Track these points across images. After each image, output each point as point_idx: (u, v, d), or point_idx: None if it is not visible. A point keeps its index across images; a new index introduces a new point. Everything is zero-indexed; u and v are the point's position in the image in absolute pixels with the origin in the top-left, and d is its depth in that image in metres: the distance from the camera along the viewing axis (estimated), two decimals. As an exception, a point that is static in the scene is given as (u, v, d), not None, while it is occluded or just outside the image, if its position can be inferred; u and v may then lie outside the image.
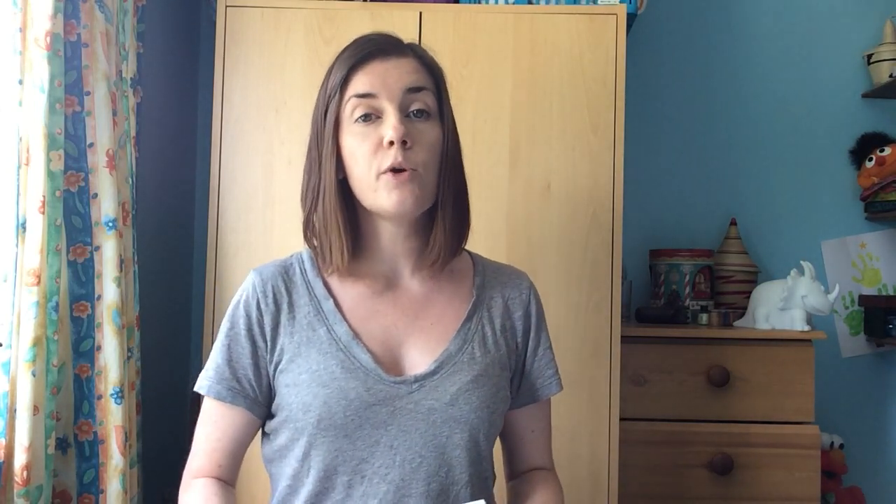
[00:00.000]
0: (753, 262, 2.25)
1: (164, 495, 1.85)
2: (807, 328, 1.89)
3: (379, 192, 1.07)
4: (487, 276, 1.21)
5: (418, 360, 1.11)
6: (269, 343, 1.11)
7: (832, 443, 2.15)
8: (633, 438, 1.82)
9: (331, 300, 1.13)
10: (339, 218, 1.10)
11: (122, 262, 1.48)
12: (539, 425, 1.24)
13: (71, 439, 1.44)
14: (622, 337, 1.70)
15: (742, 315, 2.07)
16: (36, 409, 1.28)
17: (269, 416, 1.13)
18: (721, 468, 1.83)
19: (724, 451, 1.84)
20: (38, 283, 1.30)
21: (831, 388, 2.26)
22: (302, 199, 1.15)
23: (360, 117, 1.08)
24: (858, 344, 2.32)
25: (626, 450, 1.73)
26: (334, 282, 1.15)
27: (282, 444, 1.11)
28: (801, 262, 1.95)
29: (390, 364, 1.10)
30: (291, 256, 1.18)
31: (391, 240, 1.14)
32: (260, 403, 1.12)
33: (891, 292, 2.33)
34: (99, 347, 1.45)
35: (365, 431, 1.06)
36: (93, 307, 1.45)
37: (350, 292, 1.14)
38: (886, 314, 2.19)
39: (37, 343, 1.29)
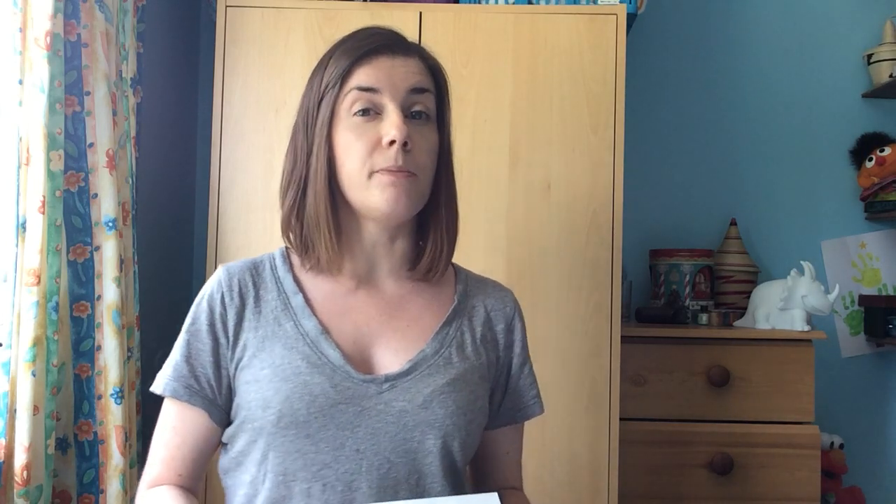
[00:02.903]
0: (753, 262, 2.25)
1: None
2: (807, 328, 1.89)
3: (371, 190, 1.02)
4: (470, 284, 1.17)
5: (391, 360, 1.06)
6: (231, 339, 1.05)
7: (832, 443, 2.15)
8: (633, 438, 1.82)
9: (300, 295, 1.07)
10: (329, 211, 1.04)
11: (122, 262, 1.48)
12: (514, 447, 1.19)
13: (71, 439, 1.44)
14: (622, 337, 1.69)
15: (742, 315, 2.07)
16: (36, 409, 1.28)
17: (229, 423, 1.06)
18: (721, 468, 1.83)
19: (724, 451, 1.84)
20: (38, 283, 1.30)
21: (831, 388, 2.26)
22: (282, 191, 1.09)
23: (358, 111, 1.03)
24: (858, 344, 2.32)
25: (626, 450, 1.73)
26: (306, 278, 1.10)
27: (239, 450, 1.04)
28: (801, 262, 1.95)
29: (360, 363, 1.05)
30: (262, 255, 1.13)
31: (372, 241, 1.09)
32: (219, 407, 1.05)
33: (891, 292, 2.33)
34: (99, 347, 1.45)
35: (329, 433, 0.99)
36: (93, 307, 1.45)
37: (322, 288, 1.09)
38: (886, 314, 2.19)
39: (37, 343, 1.29)
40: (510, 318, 1.16)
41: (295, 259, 1.12)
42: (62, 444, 1.43)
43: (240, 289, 1.07)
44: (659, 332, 1.90)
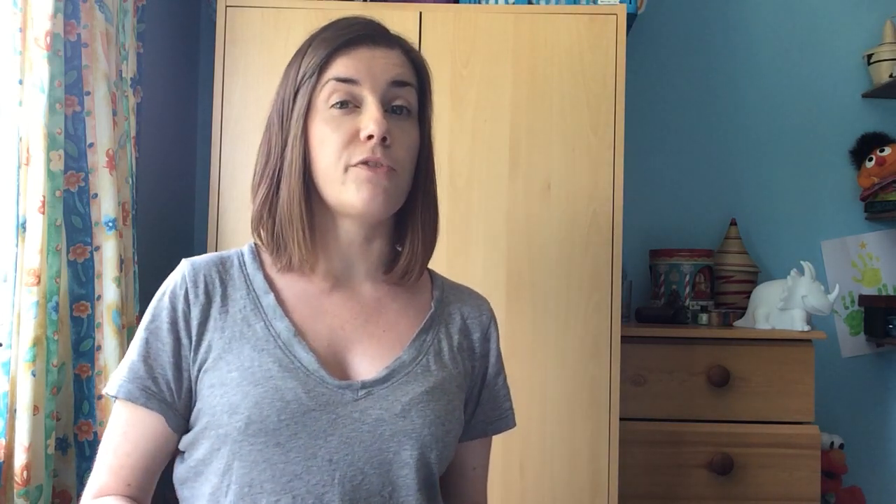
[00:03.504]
0: (753, 262, 2.25)
1: (164, 495, 1.85)
2: (807, 328, 1.89)
3: (347, 185, 0.97)
4: (446, 291, 1.13)
5: (367, 366, 1.00)
6: (194, 339, 0.98)
7: (832, 443, 2.15)
8: (633, 438, 1.82)
9: (272, 295, 1.01)
10: (304, 208, 0.99)
11: (122, 262, 1.48)
12: (481, 462, 1.15)
13: (71, 439, 1.44)
14: (622, 337, 1.69)
15: (742, 315, 2.07)
16: (36, 409, 1.28)
17: (187, 430, 0.99)
18: (721, 468, 1.83)
19: (724, 451, 1.84)
20: (38, 283, 1.30)
21: (831, 388, 2.26)
22: (254, 185, 1.04)
23: (336, 103, 0.98)
24: (858, 344, 2.32)
25: (626, 450, 1.73)
26: (277, 277, 1.04)
27: (199, 459, 0.96)
28: (801, 262, 1.95)
29: (335, 368, 0.99)
30: (230, 250, 1.07)
31: (348, 239, 1.03)
32: (177, 412, 0.98)
33: (891, 292, 2.33)
34: (99, 347, 1.45)
35: (301, 441, 0.92)
36: (93, 307, 1.45)
37: (294, 288, 1.03)
38: (886, 314, 2.19)
39: (37, 343, 1.29)
40: (486, 327, 1.13)
41: (266, 257, 1.06)
42: (62, 444, 1.43)
43: (205, 285, 1.01)
44: (659, 332, 1.90)
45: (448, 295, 1.13)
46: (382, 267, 1.07)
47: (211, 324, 0.99)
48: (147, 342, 0.98)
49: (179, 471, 1.01)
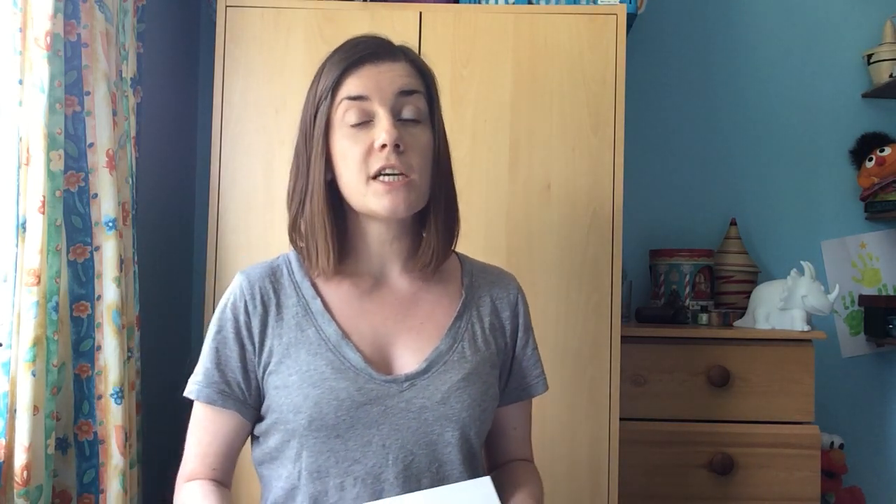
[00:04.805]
0: (753, 262, 2.25)
1: (164, 496, 1.85)
2: (807, 328, 1.89)
3: (368, 196, 1.08)
4: (475, 275, 1.23)
5: (408, 359, 1.12)
6: (256, 345, 1.11)
7: (832, 443, 2.15)
8: (633, 438, 1.82)
9: (318, 300, 1.13)
10: (327, 221, 1.10)
11: (122, 262, 1.48)
12: (520, 423, 1.25)
13: (71, 439, 1.44)
14: (622, 337, 1.70)
15: (742, 315, 2.07)
16: (36, 409, 1.28)
17: (259, 418, 1.13)
18: (721, 468, 1.83)
19: (724, 451, 1.84)
20: (38, 283, 1.30)
21: (831, 388, 2.26)
22: (288, 202, 1.15)
23: (351, 119, 1.08)
24: (858, 344, 2.32)
25: (626, 450, 1.73)
26: (322, 282, 1.15)
27: (273, 447, 1.11)
28: (801, 262, 1.95)
29: (380, 363, 1.11)
30: (279, 257, 1.19)
31: (379, 241, 1.15)
32: (249, 406, 1.12)
33: (891, 292, 2.33)
34: (99, 347, 1.45)
35: (357, 432, 1.07)
36: (93, 307, 1.45)
37: (338, 292, 1.15)
38: (886, 314, 2.19)
39: (37, 343, 1.29)
40: (514, 304, 1.22)
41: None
42: (62, 444, 1.43)
43: (261, 296, 1.13)
44: (659, 332, 1.90)
45: (477, 279, 1.22)
46: (412, 261, 1.17)
47: (269, 331, 1.12)
48: (217, 350, 1.12)
49: (256, 453, 1.15)
